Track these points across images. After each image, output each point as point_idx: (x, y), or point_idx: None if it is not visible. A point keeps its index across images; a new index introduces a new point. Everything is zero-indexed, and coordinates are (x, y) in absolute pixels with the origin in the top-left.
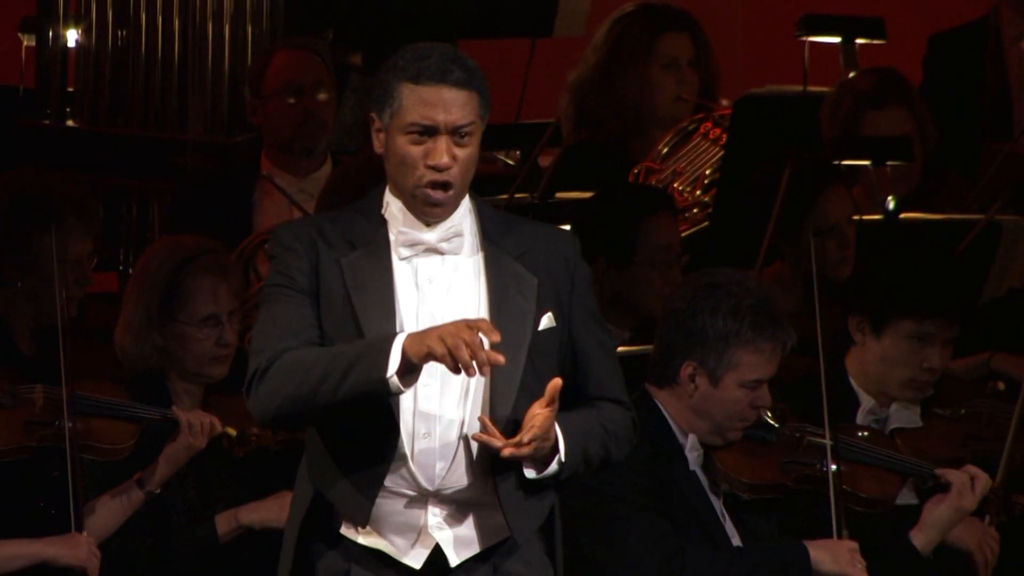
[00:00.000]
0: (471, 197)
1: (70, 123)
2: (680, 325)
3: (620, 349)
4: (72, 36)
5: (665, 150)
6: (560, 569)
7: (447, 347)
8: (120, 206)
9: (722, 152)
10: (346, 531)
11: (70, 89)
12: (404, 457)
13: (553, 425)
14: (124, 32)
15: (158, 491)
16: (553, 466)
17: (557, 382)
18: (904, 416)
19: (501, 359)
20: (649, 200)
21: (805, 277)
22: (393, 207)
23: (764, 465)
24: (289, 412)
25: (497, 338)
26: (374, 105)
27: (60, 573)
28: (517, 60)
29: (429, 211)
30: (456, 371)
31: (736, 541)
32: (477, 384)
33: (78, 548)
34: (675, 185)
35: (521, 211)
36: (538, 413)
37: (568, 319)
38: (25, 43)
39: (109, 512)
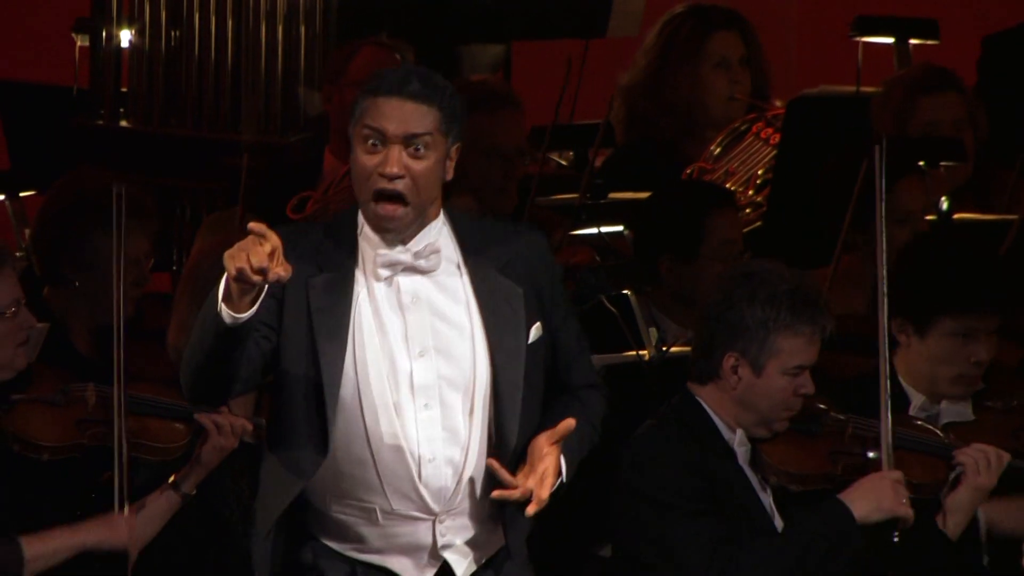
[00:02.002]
0: (444, 210)
1: (124, 123)
2: (718, 318)
3: (675, 349)
4: (126, 37)
5: (717, 150)
6: None
7: (234, 268)
8: (173, 207)
9: (774, 152)
10: (350, 551)
11: (124, 90)
12: (412, 482)
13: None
14: (177, 33)
15: (193, 492)
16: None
17: (570, 423)
18: (955, 411)
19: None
20: (712, 195)
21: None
22: (367, 229)
23: (811, 456)
24: (194, 384)
25: (277, 242)
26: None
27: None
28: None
29: (382, 229)
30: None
31: (776, 520)
32: (481, 403)
33: (119, 529)
34: (728, 185)
35: (573, 212)
36: (548, 453)
37: (549, 320)
38: (79, 44)
39: (146, 517)
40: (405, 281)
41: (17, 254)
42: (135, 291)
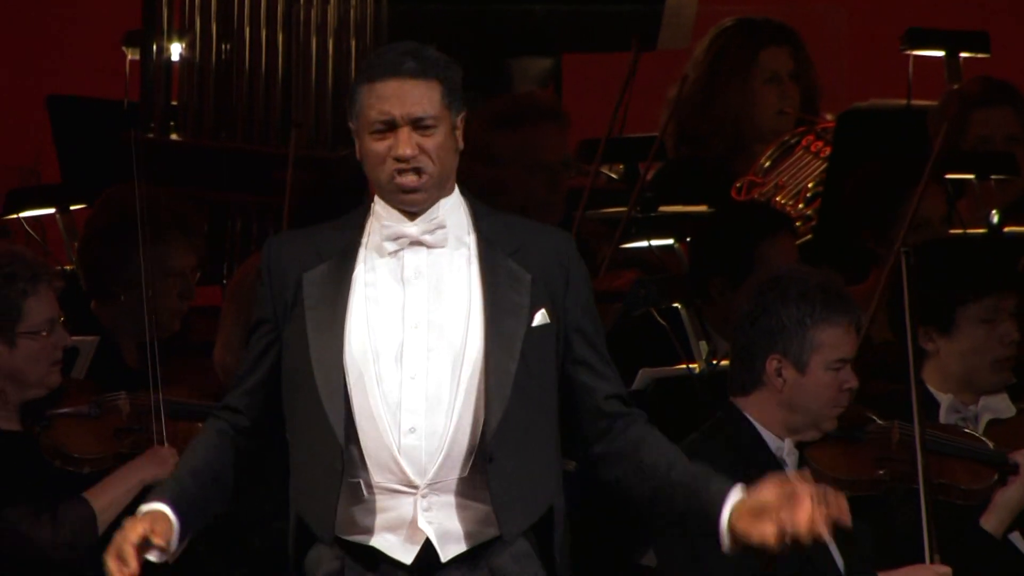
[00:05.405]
0: (463, 193)
1: (174, 137)
2: (755, 325)
3: (724, 363)
4: (176, 50)
5: (767, 164)
6: (566, 569)
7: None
8: (224, 220)
9: (824, 165)
10: (339, 533)
11: (174, 103)
12: (391, 452)
13: None
14: (228, 46)
15: None
16: None
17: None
18: (994, 406)
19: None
20: (768, 221)
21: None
22: (377, 206)
23: (858, 461)
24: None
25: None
26: (348, 114)
27: None
28: (620, 74)
29: (406, 200)
30: None
31: (832, 547)
32: (469, 377)
33: (167, 462)
34: (777, 199)
35: (624, 225)
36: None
37: (563, 319)
38: (129, 57)
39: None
40: (411, 256)
41: (68, 267)
42: (181, 304)
